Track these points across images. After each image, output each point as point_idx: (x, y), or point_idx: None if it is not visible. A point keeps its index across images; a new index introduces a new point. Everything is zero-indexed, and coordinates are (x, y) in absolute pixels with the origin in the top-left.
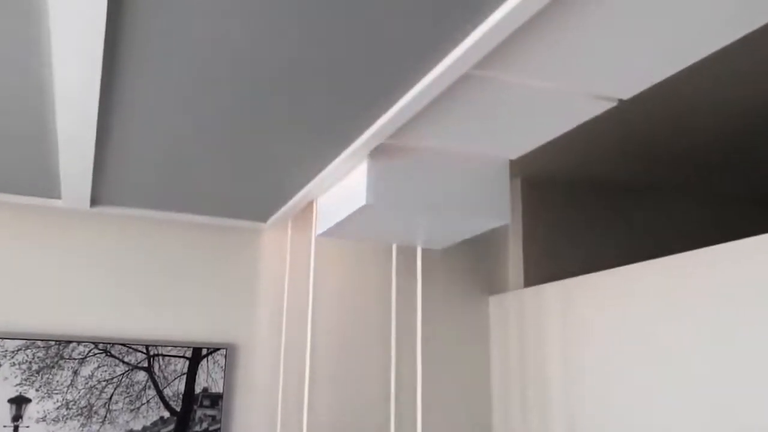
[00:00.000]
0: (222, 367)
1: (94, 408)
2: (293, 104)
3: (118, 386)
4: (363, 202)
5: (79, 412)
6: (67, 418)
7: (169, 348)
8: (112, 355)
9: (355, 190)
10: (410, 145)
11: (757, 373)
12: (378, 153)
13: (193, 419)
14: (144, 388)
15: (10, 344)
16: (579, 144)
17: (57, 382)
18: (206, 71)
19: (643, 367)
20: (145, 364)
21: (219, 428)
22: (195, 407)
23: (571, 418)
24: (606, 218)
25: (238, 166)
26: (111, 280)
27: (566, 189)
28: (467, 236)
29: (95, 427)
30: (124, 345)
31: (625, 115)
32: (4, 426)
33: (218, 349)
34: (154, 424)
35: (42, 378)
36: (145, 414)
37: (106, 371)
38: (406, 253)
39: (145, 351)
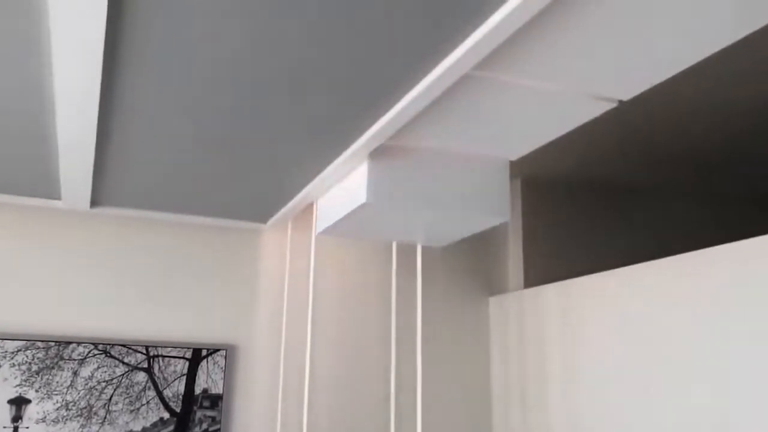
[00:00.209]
0: (222, 367)
1: (94, 409)
2: (293, 105)
3: (117, 387)
4: (363, 200)
5: (79, 413)
6: (66, 419)
7: (169, 349)
8: (111, 356)
9: (355, 189)
10: (410, 146)
11: (757, 373)
12: (378, 153)
13: (193, 420)
14: (144, 389)
15: (10, 345)
16: (579, 145)
17: (57, 382)
18: (206, 72)
19: (643, 368)
20: (145, 365)
21: (219, 429)
22: (195, 408)
23: (571, 419)
24: (606, 219)
25: (238, 168)
26: (111, 281)
27: (566, 190)
28: (467, 234)
29: (95, 427)
30: (123, 346)
31: (626, 116)
32: (4, 427)
33: (218, 350)
34: (154, 425)
35: (42, 379)
36: (144, 415)
37: (105, 372)
38: (406, 253)
39: (144, 352)
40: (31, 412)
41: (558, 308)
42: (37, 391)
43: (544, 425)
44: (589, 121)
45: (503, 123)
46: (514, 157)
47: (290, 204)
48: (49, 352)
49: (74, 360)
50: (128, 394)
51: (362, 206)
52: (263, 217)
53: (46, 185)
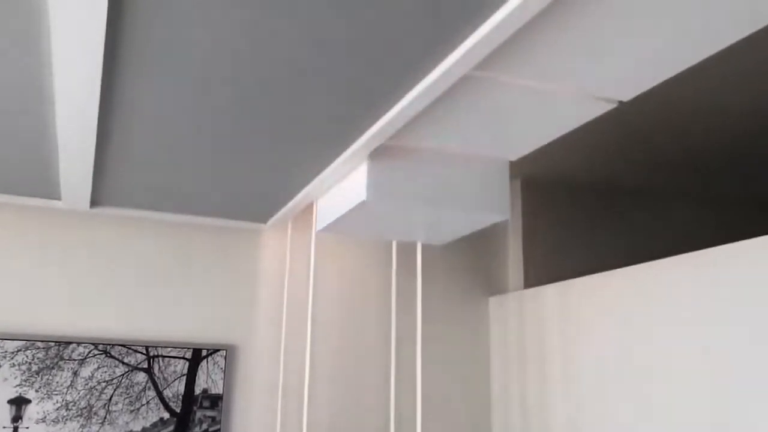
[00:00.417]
0: (222, 368)
1: (94, 409)
2: (293, 105)
3: (117, 387)
4: (362, 198)
5: (79, 413)
6: (66, 419)
7: (169, 349)
8: (111, 356)
9: (355, 188)
10: (410, 146)
11: (758, 373)
12: (378, 153)
13: (193, 420)
14: (144, 389)
15: (10, 345)
16: (579, 145)
17: (57, 383)
18: (206, 71)
19: (643, 369)
20: (145, 365)
21: (219, 429)
22: (195, 408)
23: (570, 419)
24: (606, 220)
25: (237, 168)
26: (111, 281)
27: (566, 190)
28: (468, 232)
29: (95, 428)
30: (123, 346)
31: (626, 117)
32: (4, 427)
33: (218, 350)
34: (154, 425)
35: (42, 379)
36: (144, 415)
37: (105, 372)
38: (407, 253)
39: (144, 352)
40: (31, 412)
41: (558, 308)
42: (37, 391)
43: (544, 425)
44: (589, 121)
45: (503, 123)
46: (514, 157)
47: (290, 204)
48: (49, 352)
49: (74, 360)
50: (128, 394)
51: (361, 204)
52: (263, 217)
53: (46, 185)
